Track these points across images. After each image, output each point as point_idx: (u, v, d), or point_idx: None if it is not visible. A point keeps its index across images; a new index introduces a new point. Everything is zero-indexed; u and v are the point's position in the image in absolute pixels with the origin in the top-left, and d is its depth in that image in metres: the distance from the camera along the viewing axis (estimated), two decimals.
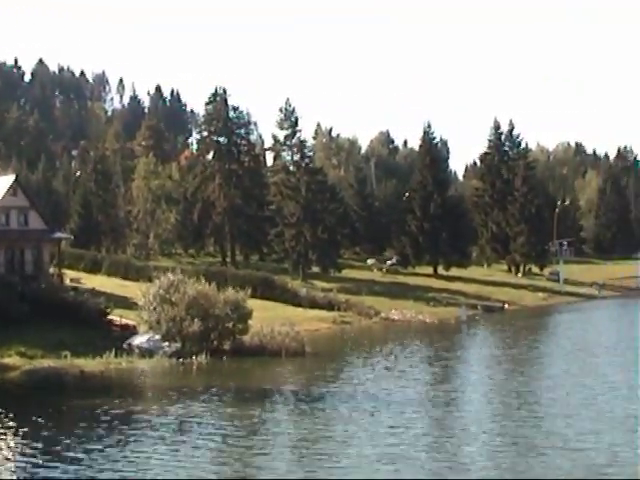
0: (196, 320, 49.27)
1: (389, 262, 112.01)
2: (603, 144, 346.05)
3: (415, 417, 32.22)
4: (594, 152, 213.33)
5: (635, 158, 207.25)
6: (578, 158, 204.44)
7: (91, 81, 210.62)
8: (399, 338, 63.31)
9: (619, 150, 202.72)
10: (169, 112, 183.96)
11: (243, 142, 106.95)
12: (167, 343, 50.03)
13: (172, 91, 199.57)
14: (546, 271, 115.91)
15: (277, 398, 38.14)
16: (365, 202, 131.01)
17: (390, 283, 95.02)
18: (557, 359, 49.74)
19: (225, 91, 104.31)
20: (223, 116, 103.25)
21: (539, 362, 49.13)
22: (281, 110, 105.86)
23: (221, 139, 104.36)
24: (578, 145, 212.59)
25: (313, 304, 75.60)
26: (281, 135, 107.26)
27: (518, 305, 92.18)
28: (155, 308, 50.76)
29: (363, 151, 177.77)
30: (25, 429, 30.53)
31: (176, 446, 27.77)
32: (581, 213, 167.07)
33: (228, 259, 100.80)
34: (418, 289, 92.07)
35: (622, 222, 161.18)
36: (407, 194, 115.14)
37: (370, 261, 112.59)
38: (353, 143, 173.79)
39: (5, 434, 29.90)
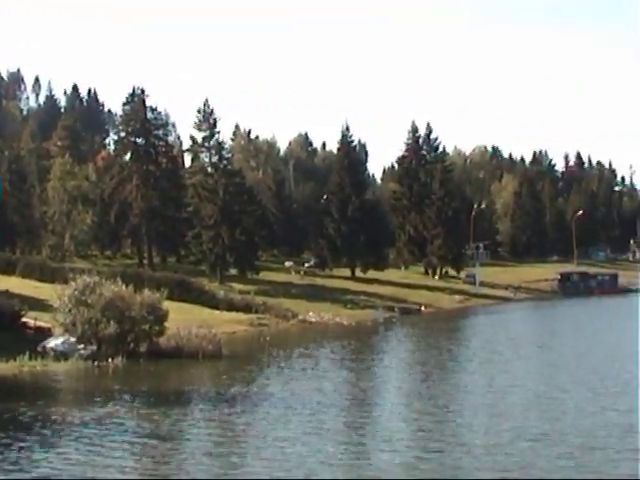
0: (112, 322, 49.02)
1: (307, 264, 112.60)
2: (519, 148, 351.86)
3: (330, 418, 32.63)
4: (510, 156, 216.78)
5: (550, 162, 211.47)
6: (494, 162, 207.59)
7: (6, 79, 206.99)
8: (316, 340, 63.79)
9: (534, 154, 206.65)
10: (86, 112, 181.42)
11: (161, 143, 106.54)
12: (82, 345, 49.69)
13: (89, 90, 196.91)
14: (462, 274, 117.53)
15: (193, 400, 38.30)
16: (283, 204, 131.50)
17: (308, 285, 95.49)
18: (470, 360, 50.59)
19: (143, 91, 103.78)
20: (141, 117, 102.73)
21: (453, 364, 49.94)
22: (199, 111, 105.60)
23: (139, 140, 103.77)
24: (495, 149, 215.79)
25: (230, 306, 75.67)
26: (199, 136, 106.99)
27: (435, 307, 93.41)
28: (70, 310, 50.38)
29: (282, 153, 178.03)
30: None
31: (93, 448, 27.76)
32: (497, 216, 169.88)
33: (145, 261, 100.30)
34: (335, 291, 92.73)
35: (537, 226, 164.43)
36: (325, 196, 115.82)
37: (288, 263, 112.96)
38: (272, 145, 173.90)
39: None
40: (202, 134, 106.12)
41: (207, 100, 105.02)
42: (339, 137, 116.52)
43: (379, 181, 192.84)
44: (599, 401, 34.58)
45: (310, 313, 79.05)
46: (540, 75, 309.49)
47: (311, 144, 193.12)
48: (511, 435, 28.51)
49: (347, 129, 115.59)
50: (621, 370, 42.91)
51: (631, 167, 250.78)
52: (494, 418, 31.71)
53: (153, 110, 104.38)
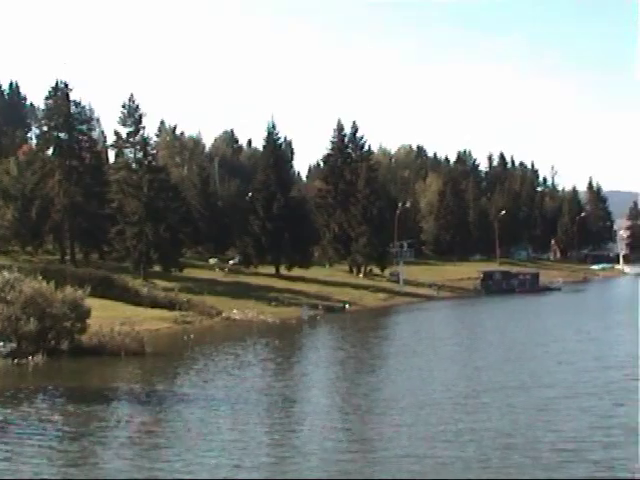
0: (32, 319, 48.32)
1: (231, 262, 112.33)
2: (443, 148, 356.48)
3: (251, 417, 32.60)
4: (435, 156, 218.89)
5: (474, 162, 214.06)
6: (419, 161, 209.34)
7: None
8: (240, 338, 63.65)
9: (459, 154, 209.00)
10: (7, 105, 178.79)
11: (85, 138, 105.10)
12: (2, 343, 48.93)
13: (11, 84, 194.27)
14: (387, 272, 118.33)
15: (115, 399, 37.88)
16: (208, 201, 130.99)
17: (232, 283, 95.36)
18: (388, 359, 50.92)
19: (67, 85, 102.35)
20: (64, 111, 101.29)
21: (377, 360, 50.19)
22: (124, 106, 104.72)
23: (62, 135, 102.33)
24: (419, 148, 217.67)
25: (154, 303, 75.18)
26: (124, 132, 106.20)
27: (359, 305, 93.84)
28: None
29: (207, 150, 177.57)
30: None
31: (13, 447, 27.35)
32: (421, 215, 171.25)
33: (67, 257, 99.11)
34: (260, 289, 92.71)
35: (461, 225, 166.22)
36: (250, 194, 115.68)
37: (212, 260, 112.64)
38: (197, 142, 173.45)
39: None
40: (127, 129, 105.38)
41: (132, 95, 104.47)
42: (265, 134, 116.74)
43: (305, 179, 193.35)
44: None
45: (234, 311, 78.92)
46: (464, 77, 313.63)
47: (237, 141, 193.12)
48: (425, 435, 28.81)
49: (273, 127, 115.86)
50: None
51: (553, 168, 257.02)
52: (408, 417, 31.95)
53: (77, 104, 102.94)
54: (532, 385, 37.92)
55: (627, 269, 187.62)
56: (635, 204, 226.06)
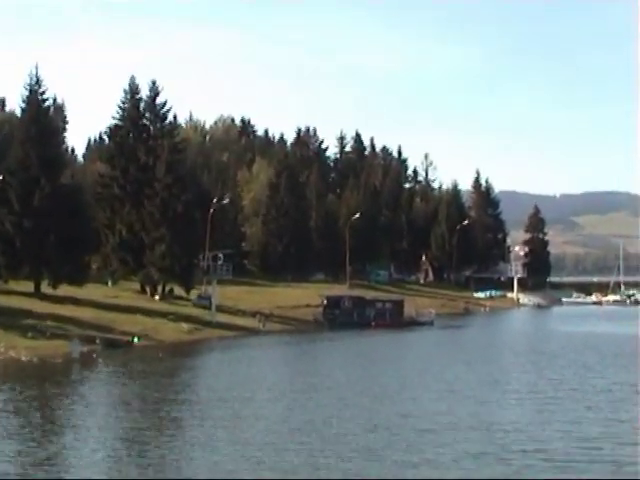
0: None
1: None
2: (278, 124, 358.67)
3: None
4: (266, 133, 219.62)
5: (320, 145, 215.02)
6: (244, 141, 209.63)
7: None
8: None
9: (299, 133, 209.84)
10: None
11: None
12: None
13: None
14: (193, 294, 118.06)
15: None
16: None
17: None
18: (182, 418, 50.59)
19: None
20: None
21: (163, 424, 49.76)
22: None
23: None
24: (245, 123, 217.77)
25: None
26: None
27: (153, 339, 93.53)
28: None
29: None
30: None
31: None
32: (244, 217, 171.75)
33: None
34: (11, 313, 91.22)
35: (298, 232, 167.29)
36: (1, 177, 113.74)
37: None
38: None
39: None
40: None
41: None
42: (24, 93, 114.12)
43: (82, 159, 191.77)
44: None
45: None
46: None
47: None
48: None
49: (37, 82, 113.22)
50: None
51: (427, 157, 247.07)
52: None
53: None
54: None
55: (524, 298, 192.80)
56: (536, 209, 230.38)
